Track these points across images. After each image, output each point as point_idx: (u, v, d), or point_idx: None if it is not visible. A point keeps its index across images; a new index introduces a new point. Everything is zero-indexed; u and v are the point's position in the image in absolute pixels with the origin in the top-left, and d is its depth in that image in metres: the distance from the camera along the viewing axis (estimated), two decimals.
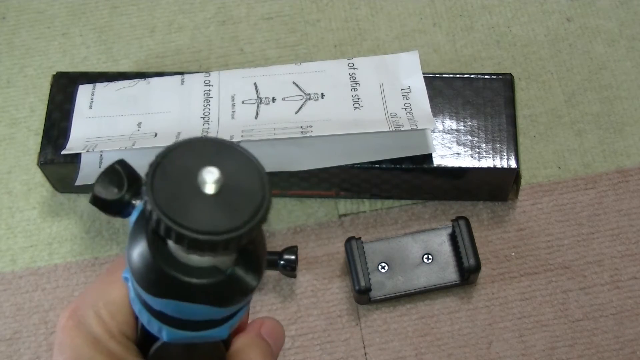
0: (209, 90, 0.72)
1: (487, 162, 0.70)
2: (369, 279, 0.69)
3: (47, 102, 0.75)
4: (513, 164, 0.70)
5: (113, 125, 0.71)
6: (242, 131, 0.68)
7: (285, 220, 0.74)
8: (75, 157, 0.71)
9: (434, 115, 0.71)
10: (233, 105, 0.71)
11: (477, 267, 0.68)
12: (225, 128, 0.70)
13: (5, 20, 0.85)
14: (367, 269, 0.69)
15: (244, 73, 0.73)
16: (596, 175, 0.75)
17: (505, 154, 0.70)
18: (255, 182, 0.33)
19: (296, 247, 0.70)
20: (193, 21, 0.84)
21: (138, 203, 0.37)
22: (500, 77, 0.74)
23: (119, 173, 0.38)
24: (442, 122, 0.72)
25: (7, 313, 0.72)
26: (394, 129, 0.67)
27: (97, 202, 0.38)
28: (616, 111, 0.78)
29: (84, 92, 0.74)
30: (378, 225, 0.74)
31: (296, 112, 0.70)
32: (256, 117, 0.70)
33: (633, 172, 0.75)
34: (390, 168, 0.70)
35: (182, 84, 0.73)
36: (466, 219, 0.70)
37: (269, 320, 0.43)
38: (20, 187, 0.77)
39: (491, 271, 0.72)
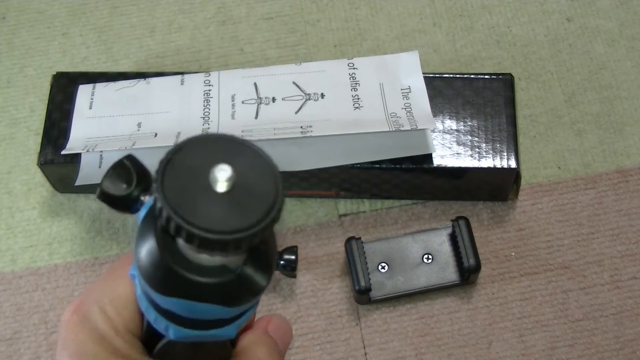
0: (209, 90, 0.72)
1: (487, 162, 0.70)
2: (369, 279, 0.69)
3: (47, 102, 0.75)
4: (513, 164, 0.70)
5: (113, 125, 0.71)
6: (242, 131, 0.68)
7: (285, 220, 0.74)
8: (75, 157, 0.71)
9: (434, 115, 0.71)
10: (233, 105, 0.71)
11: (477, 267, 0.68)
12: (225, 128, 0.70)
13: (5, 20, 0.85)
14: (367, 269, 0.69)
15: (244, 73, 0.73)
16: (596, 175, 0.75)
17: (505, 154, 0.70)
18: (268, 180, 0.32)
19: (296, 247, 0.70)
20: (193, 21, 0.84)
21: (147, 199, 0.37)
22: (500, 77, 0.74)
23: (128, 168, 0.37)
24: (442, 122, 0.72)
25: (7, 313, 0.72)
26: (394, 129, 0.67)
27: (105, 197, 0.37)
28: (616, 111, 0.78)
29: (84, 92, 0.74)
30: (378, 225, 0.74)
31: (296, 112, 0.70)
32: (256, 117, 0.70)
33: (633, 172, 0.75)
34: (390, 168, 0.70)
35: (182, 84, 0.73)
36: (466, 219, 0.70)
37: (276, 317, 0.43)
38: (20, 187, 0.77)
39: (491, 271, 0.72)
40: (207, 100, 0.72)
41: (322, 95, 0.71)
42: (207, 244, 0.31)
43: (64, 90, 0.75)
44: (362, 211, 0.75)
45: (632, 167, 0.76)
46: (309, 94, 0.71)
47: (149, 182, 0.37)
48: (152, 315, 0.36)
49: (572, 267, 0.72)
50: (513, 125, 0.71)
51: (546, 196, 0.75)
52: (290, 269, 0.70)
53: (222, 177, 0.31)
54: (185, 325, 0.35)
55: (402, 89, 0.71)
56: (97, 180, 0.70)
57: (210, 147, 0.32)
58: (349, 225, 0.74)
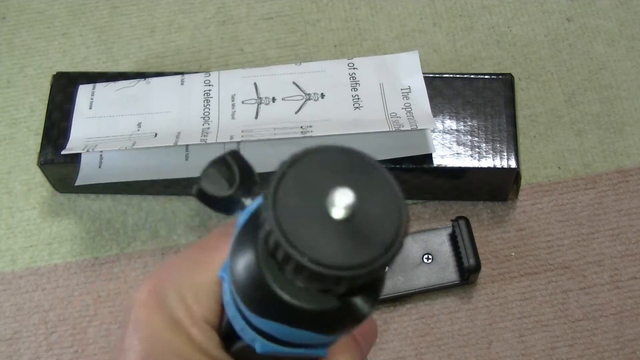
0: (209, 90, 0.72)
1: (487, 162, 0.70)
2: None
3: (47, 102, 0.75)
4: (513, 164, 0.70)
5: (113, 125, 0.71)
6: (242, 131, 0.68)
7: None
8: (75, 157, 0.71)
9: (434, 115, 0.71)
10: (233, 105, 0.71)
11: (477, 267, 0.68)
12: (225, 128, 0.70)
13: (5, 20, 0.85)
14: None
15: (244, 73, 0.73)
16: (596, 175, 0.75)
17: (505, 154, 0.70)
18: (392, 209, 0.29)
19: None
20: (193, 21, 0.84)
21: (248, 202, 0.34)
22: (500, 77, 0.74)
23: (230, 166, 0.34)
24: (442, 122, 0.72)
25: (7, 313, 0.72)
26: (394, 129, 0.67)
27: (204, 197, 0.34)
28: (616, 111, 0.78)
29: (84, 92, 0.74)
30: None
31: (296, 112, 0.70)
32: (256, 117, 0.70)
33: (633, 172, 0.75)
34: (390, 168, 0.70)
35: (182, 84, 0.73)
36: (466, 219, 0.70)
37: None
38: (20, 187, 0.77)
39: (491, 271, 0.72)
40: (207, 100, 0.72)
41: (322, 95, 0.71)
42: (318, 279, 0.28)
43: (64, 90, 0.75)
44: None
45: (632, 167, 0.76)
46: (309, 94, 0.71)
47: (252, 182, 0.34)
48: (239, 325, 0.33)
49: (572, 267, 0.72)
50: (513, 125, 0.71)
51: (546, 196, 0.75)
52: None
53: (342, 202, 0.27)
54: (276, 342, 0.32)
55: (402, 89, 0.71)
56: (97, 180, 0.70)
57: (331, 162, 0.29)
58: None
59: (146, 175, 0.71)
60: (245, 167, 0.35)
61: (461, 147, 0.71)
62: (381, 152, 0.70)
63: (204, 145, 0.68)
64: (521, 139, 0.76)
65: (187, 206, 0.75)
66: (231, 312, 0.33)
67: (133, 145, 0.68)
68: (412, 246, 0.71)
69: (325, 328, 0.31)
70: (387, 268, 0.29)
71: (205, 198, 0.34)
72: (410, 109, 0.69)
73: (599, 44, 0.81)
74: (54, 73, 0.76)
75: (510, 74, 0.74)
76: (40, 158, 0.72)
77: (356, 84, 0.71)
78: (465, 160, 0.70)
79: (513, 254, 0.72)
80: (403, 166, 0.70)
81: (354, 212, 0.28)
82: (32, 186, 0.77)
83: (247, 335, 0.33)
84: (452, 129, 0.72)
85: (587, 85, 0.79)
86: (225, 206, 0.34)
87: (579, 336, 0.69)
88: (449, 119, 0.72)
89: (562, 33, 0.82)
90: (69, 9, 0.85)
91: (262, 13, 0.84)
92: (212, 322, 0.36)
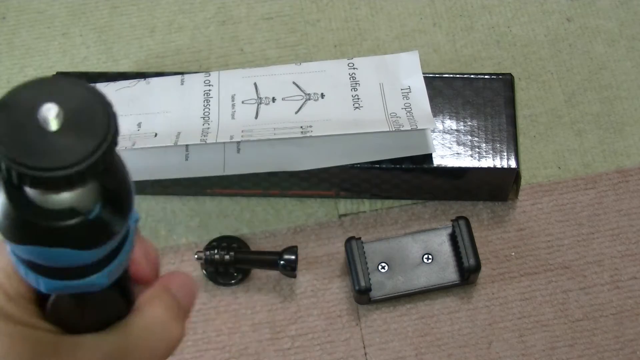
0: (209, 90, 0.72)
1: (487, 162, 0.70)
2: (369, 279, 0.68)
3: None
4: (513, 164, 0.70)
5: None
6: (242, 131, 0.68)
7: (285, 220, 0.74)
8: None
9: (434, 115, 0.71)
10: (233, 105, 0.71)
11: (477, 267, 0.68)
12: (225, 128, 0.70)
13: (5, 20, 0.85)
14: (367, 269, 0.69)
15: (244, 73, 0.73)
16: (596, 175, 0.75)
17: (505, 154, 0.70)
18: (99, 111, 0.32)
19: (296, 247, 0.70)
20: (193, 21, 0.84)
21: None
22: (500, 77, 0.74)
23: None
24: (442, 122, 0.72)
25: None
26: (394, 129, 0.67)
27: None
28: (616, 111, 0.78)
29: None
30: (378, 225, 0.74)
31: (296, 112, 0.70)
32: (256, 117, 0.70)
33: (633, 172, 0.75)
34: (390, 168, 0.70)
35: (182, 83, 0.73)
36: (466, 219, 0.70)
37: (179, 274, 0.42)
38: None
39: (491, 271, 0.72)
40: (207, 100, 0.72)
41: (322, 95, 0.71)
42: (48, 182, 0.31)
43: None
44: (362, 211, 0.74)
45: (632, 167, 0.76)
46: (309, 94, 0.71)
47: None
48: (22, 270, 0.36)
49: (572, 267, 0.72)
50: (513, 125, 0.71)
51: (546, 196, 0.74)
52: (290, 269, 0.70)
53: (50, 115, 0.31)
54: (53, 276, 0.35)
55: (402, 89, 0.71)
56: None
57: (35, 90, 0.33)
58: (349, 225, 0.74)
59: (146, 175, 0.71)
60: None
61: (461, 147, 0.71)
62: (381, 152, 0.70)
63: (204, 145, 0.68)
64: (521, 139, 0.76)
65: (187, 206, 0.75)
66: (14, 261, 0.36)
67: (133, 145, 0.68)
68: (412, 246, 0.71)
69: (76, 243, 0.33)
70: (110, 159, 0.32)
71: None
72: (410, 109, 0.69)
73: (599, 44, 0.81)
74: (54, 73, 0.76)
75: (510, 74, 0.74)
76: None
77: (356, 84, 0.71)
78: (465, 160, 0.70)
79: (513, 254, 0.72)
80: (403, 166, 0.70)
81: (64, 121, 0.31)
82: None
83: (31, 278, 0.35)
84: (452, 129, 0.72)
85: (587, 85, 0.79)
86: None
87: (579, 336, 0.69)
88: (449, 119, 0.72)
89: (562, 33, 0.82)
90: (69, 9, 0.85)
91: (262, 13, 0.84)
92: (27, 296, 0.38)
